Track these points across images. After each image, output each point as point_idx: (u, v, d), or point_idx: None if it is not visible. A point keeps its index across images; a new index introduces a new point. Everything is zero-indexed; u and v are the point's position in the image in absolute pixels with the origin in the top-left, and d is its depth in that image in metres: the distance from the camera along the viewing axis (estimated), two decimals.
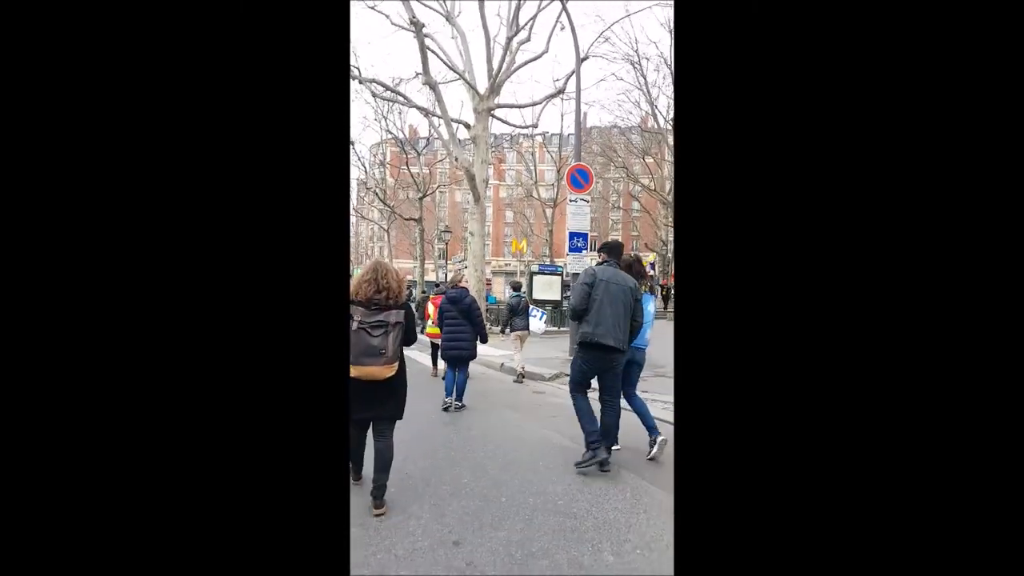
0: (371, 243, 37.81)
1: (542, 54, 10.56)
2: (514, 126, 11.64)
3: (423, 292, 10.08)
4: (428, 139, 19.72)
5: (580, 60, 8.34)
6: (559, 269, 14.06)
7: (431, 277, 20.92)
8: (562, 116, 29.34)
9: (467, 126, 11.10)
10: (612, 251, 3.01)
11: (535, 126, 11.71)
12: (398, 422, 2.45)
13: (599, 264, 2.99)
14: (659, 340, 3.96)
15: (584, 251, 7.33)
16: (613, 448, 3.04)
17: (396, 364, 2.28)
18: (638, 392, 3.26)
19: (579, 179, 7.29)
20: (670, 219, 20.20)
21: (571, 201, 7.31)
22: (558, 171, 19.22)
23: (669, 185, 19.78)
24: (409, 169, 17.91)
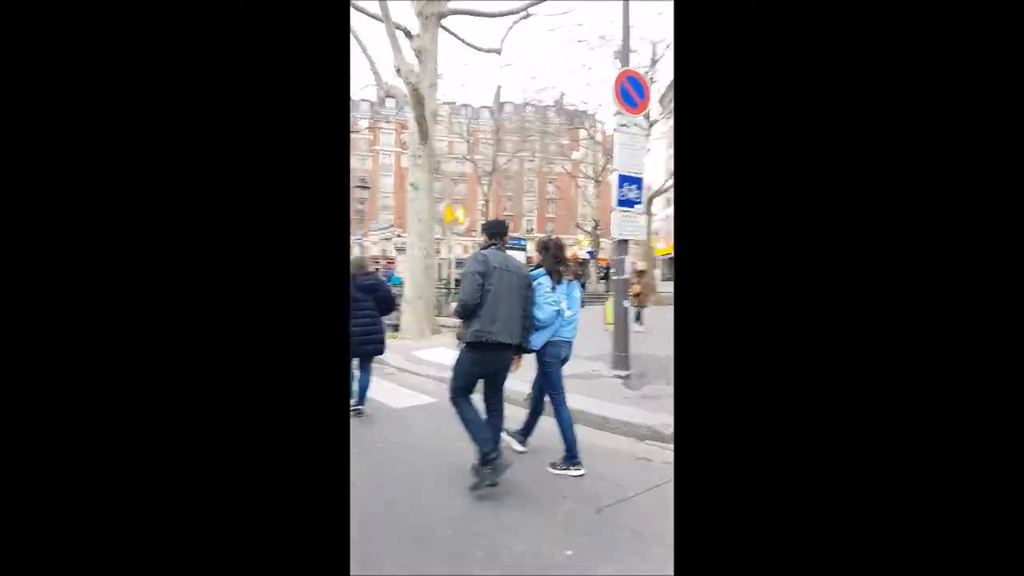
0: None
1: None
2: (471, 46, 8.48)
3: None
4: None
5: None
6: (521, 243, 11.54)
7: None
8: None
9: (409, 34, 7.74)
10: (498, 231, 2.52)
11: (499, 51, 8.69)
12: None
13: (485, 248, 2.46)
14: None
15: (639, 205, 4.68)
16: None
17: None
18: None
19: (631, 91, 4.58)
20: (599, 196, 18.82)
21: (619, 127, 4.58)
22: (496, 132, 16.18)
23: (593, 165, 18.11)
24: None
